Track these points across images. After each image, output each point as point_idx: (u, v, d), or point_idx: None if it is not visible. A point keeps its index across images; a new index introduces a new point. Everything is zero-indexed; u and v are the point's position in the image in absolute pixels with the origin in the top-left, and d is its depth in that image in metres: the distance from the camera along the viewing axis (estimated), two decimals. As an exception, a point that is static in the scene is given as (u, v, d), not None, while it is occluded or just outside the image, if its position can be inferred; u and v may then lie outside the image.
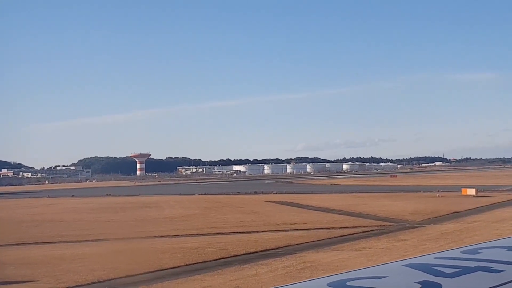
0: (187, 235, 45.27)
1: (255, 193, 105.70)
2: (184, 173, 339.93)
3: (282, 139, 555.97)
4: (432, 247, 33.59)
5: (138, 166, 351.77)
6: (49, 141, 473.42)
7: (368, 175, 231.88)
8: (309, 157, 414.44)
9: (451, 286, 3.12)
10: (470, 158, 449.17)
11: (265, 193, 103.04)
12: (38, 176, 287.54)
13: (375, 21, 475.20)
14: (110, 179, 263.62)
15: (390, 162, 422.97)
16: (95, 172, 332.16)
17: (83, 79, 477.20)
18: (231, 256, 34.13)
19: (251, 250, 35.96)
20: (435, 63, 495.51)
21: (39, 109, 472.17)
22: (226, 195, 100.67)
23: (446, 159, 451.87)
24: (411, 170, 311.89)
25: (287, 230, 46.24)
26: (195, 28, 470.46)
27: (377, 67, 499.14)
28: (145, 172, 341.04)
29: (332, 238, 41.18)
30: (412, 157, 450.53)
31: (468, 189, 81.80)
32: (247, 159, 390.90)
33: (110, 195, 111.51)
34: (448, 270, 3.42)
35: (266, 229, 47.31)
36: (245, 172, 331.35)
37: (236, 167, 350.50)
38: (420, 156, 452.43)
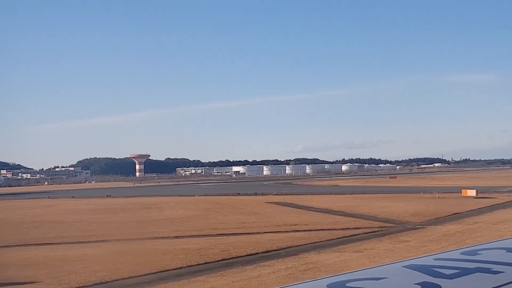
0: (188, 236, 45.21)
1: (255, 194, 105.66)
2: (183, 174, 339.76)
3: (281, 140, 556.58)
4: (434, 248, 33.54)
5: (137, 167, 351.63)
6: (48, 142, 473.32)
7: (367, 176, 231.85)
8: (308, 158, 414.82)
9: None
10: (469, 159, 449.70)
11: (265, 194, 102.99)
12: (37, 177, 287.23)
13: (374, 22, 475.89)
14: (109, 180, 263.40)
15: (389, 163, 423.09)
16: (94, 173, 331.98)
17: (82, 80, 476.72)
18: (233, 258, 34.06)
19: (253, 252, 35.90)
20: (434, 64, 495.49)
21: (38, 110, 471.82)
22: (226, 196, 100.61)
23: (445, 160, 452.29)
24: (410, 171, 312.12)
25: (288, 232, 46.19)
26: (194, 29, 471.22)
27: (376, 68, 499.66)
28: (144, 173, 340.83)
29: (334, 239, 41.13)
30: (411, 158, 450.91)
31: (468, 190, 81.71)
32: (246, 160, 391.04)
33: (110, 196, 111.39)
34: (447, 271, 3.42)
35: (267, 231, 47.23)
36: (244, 173, 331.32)
37: (235, 168, 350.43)
38: (419, 157, 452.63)
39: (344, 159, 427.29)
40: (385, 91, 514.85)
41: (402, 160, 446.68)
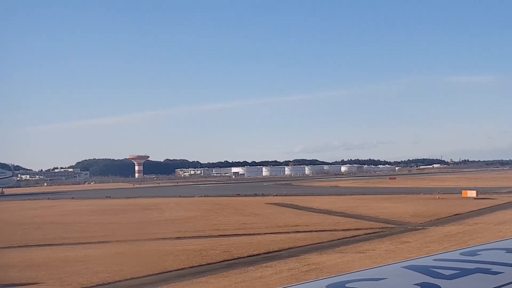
0: (189, 237, 45.18)
1: (255, 195, 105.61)
2: (182, 175, 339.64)
3: (280, 141, 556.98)
4: (436, 249, 33.54)
5: (136, 168, 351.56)
6: (47, 143, 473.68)
7: (367, 177, 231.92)
8: (307, 159, 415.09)
9: None
10: (468, 160, 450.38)
11: (265, 195, 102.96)
12: (36, 178, 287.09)
13: (374, 23, 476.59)
14: (108, 181, 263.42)
15: (388, 164, 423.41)
16: (93, 174, 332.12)
17: (81, 81, 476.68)
18: (234, 258, 34.02)
19: (255, 252, 35.89)
20: (433, 65, 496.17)
21: (37, 111, 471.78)
22: (226, 197, 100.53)
23: (444, 161, 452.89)
24: (410, 172, 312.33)
25: (289, 232, 46.15)
26: (193, 29, 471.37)
27: (376, 69, 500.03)
28: (143, 174, 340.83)
29: (335, 240, 41.10)
30: (410, 159, 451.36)
31: (468, 191, 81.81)
32: (245, 161, 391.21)
33: (109, 197, 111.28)
34: (447, 272, 3.42)
35: (268, 231, 47.21)
36: (243, 174, 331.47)
37: (234, 169, 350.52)
38: (418, 158, 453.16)
39: (343, 160, 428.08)
40: (384, 91, 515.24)
41: (401, 161, 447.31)
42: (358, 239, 41.48)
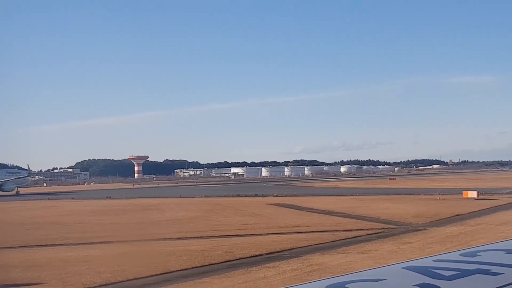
0: (190, 237, 45.09)
1: (255, 195, 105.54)
2: (182, 176, 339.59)
3: (280, 142, 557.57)
4: (439, 249, 33.51)
5: (136, 168, 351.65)
6: (47, 144, 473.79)
7: (366, 178, 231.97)
8: (307, 159, 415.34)
9: None
10: (467, 161, 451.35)
11: (265, 196, 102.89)
12: (36, 179, 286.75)
13: (373, 24, 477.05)
14: (108, 182, 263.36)
15: (388, 165, 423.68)
16: (92, 175, 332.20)
17: (81, 81, 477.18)
18: (237, 259, 33.94)
19: (257, 253, 35.81)
20: (433, 66, 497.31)
21: (37, 111, 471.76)
22: (226, 198, 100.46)
23: (443, 161, 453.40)
24: (409, 173, 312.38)
25: (291, 233, 46.09)
26: (193, 30, 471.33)
27: (375, 70, 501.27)
28: (143, 174, 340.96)
29: (337, 240, 41.04)
30: (410, 159, 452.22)
31: (469, 192, 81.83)
32: (244, 162, 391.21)
33: (110, 197, 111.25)
34: (447, 273, 3.41)
35: (269, 232, 47.13)
36: (243, 174, 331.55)
37: (233, 170, 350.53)
38: (418, 158, 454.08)
39: (342, 160, 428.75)
40: (383, 92, 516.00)
41: (401, 161, 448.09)
42: (360, 240, 41.42)
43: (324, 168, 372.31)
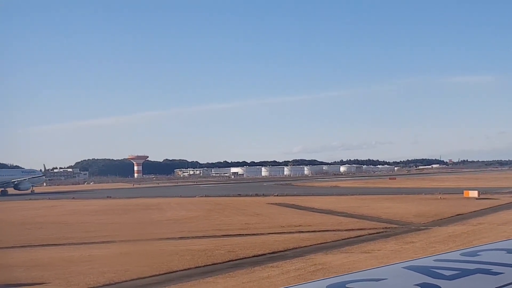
0: (192, 237, 45.07)
1: (256, 195, 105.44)
2: (181, 175, 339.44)
3: (280, 141, 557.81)
4: (441, 249, 33.50)
5: (136, 168, 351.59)
6: (47, 143, 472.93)
7: (366, 177, 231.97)
8: (306, 159, 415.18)
9: None
10: (467, 160, 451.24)
11: (266, 195, 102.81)
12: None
13: (373, 24, 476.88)
14: (107, 182, 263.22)
15: (387, 165, 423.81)
16: (92, 175, 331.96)
17: (81, 81, 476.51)
18: (240, 259, 33.90)
19: (260, 253, 35.79)
20: (433, 66, 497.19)
21: (37, 111, 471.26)
22: (227, 197, 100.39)
23: (443, 161, 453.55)
24: (409, 173, 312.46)
25: (293, 232, 46.07)
26: (192, 30, 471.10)
27: (375, 69, 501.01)
28: (143, 174, 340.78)
29: (339, 240, 41.03)
30: (409, 159, 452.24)
31: (470, 191, 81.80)
32: (244, 162, 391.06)
33: (110, 197, 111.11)
34: (447, 273, 3.41)
35: (271, 231, 47.10)
36: (242, 174, 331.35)
37: (233, 169, 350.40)
38: (417, 158, 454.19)
39: (342, 160, 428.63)
40: (383, 92, 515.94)
41: (400, 161, 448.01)
42: (362, 239, 41.41)
43: (324, 168, 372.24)
